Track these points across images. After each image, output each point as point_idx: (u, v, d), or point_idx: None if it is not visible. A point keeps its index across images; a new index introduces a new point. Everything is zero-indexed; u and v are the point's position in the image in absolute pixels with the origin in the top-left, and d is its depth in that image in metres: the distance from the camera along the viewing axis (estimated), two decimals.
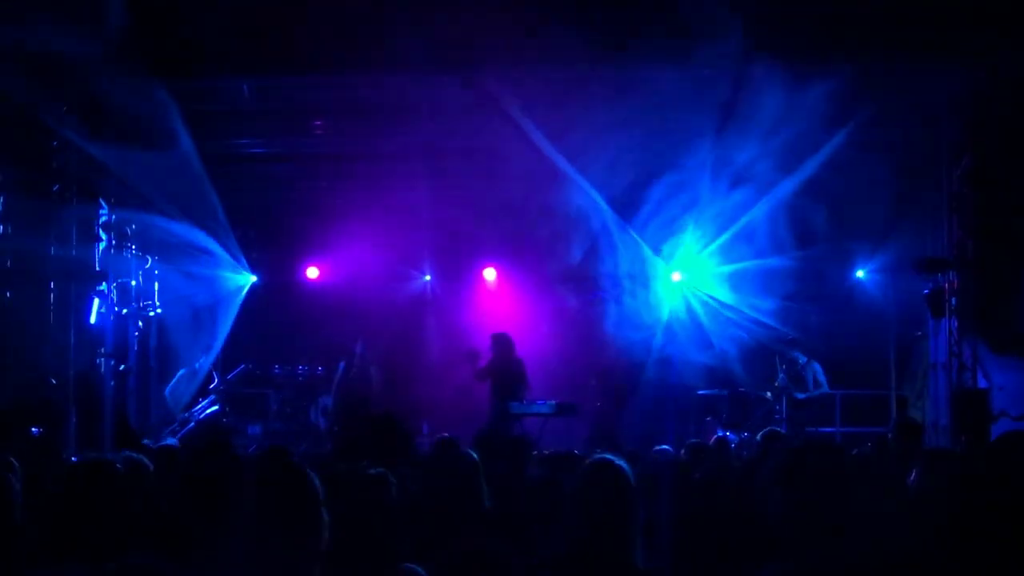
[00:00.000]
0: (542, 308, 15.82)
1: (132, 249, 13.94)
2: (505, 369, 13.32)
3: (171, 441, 10.52)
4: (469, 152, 13.44)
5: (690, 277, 15.23)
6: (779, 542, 3.97)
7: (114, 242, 13.36)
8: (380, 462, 5.73)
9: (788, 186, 13.13)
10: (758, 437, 9.20)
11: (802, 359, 13.87)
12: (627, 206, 14.23)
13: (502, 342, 13.51)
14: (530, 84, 11.59)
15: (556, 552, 3.98)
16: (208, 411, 13.70)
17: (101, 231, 12.95)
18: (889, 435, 7.82)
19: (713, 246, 14.68)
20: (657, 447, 8.92)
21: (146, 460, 5.35)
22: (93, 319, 12.59)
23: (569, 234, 14.71)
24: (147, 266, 14.29)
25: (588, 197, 13.74)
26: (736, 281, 14.96)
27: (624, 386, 14.20)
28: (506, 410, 13.11)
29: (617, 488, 3.97)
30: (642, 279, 15.40)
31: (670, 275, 15.16)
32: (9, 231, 11.55)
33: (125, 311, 13.69)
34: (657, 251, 14.97)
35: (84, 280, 12.42)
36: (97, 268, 12.72)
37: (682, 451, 8.73)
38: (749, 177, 13.13)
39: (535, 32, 10.23)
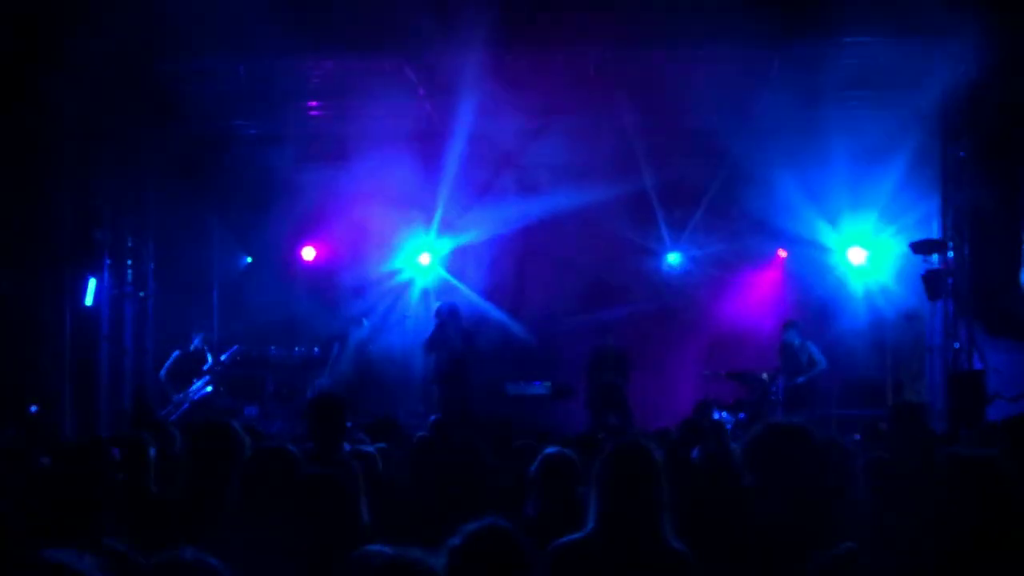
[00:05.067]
0: (544, 287, 15.78)
1: (128, 230, 13.90)
2: (451, 343, 13.19)
3: None
4: (471, 132, 13.42)
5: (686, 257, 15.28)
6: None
7: (110, 224, 13.32)
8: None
9: (785, 169, 13.16)
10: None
11: (796, 340, 13.86)
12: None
13: (445, 314, 13.36)
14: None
15: (585, 533, 4.00)
16: (202, 392, 13.68)
17: (97, 212, 12.91)
18: (882, 424, 7.74)
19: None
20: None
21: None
22: (89, 301, 12.56)
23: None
24: (143, 248, 14.25)
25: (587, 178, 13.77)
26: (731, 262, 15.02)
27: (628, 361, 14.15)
28: (452, 391, 12.99)
29: (644, 469, 3.99)
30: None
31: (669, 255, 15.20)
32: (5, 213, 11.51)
33: (123, 292, 13.68)
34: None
35: (80, 261, 12.40)
36: (93, 250, 12.70)
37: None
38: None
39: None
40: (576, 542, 3.97)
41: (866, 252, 14.48)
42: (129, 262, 13.85)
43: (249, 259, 15.90)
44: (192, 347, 13.91)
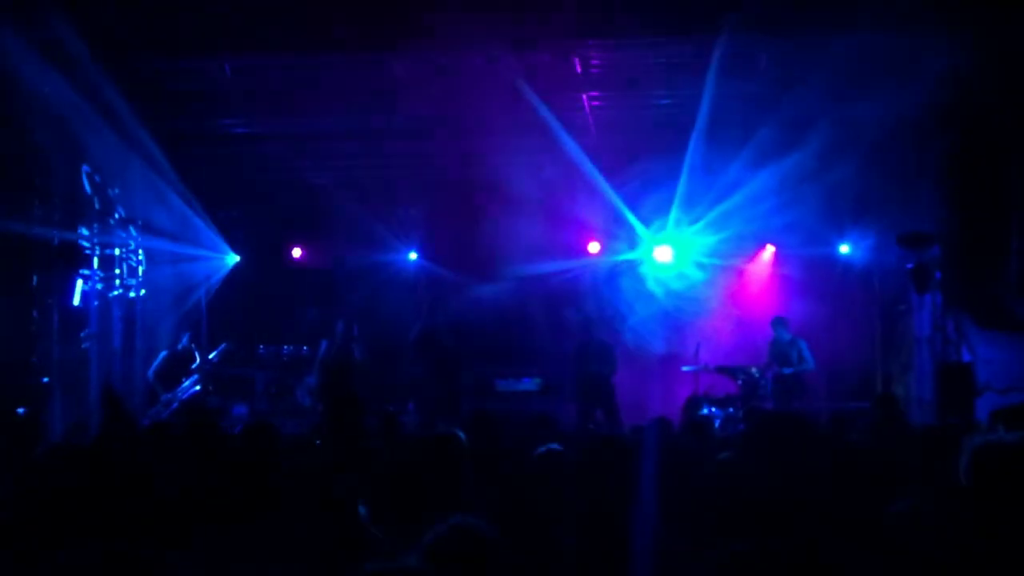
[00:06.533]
0: (531, 284, 15.77)
1: (116, 230, 13.83)
2: (440, 340, 13.19)
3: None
4: (451, 128, 13.38)
5: (678, 254, 15.26)
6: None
7: (97, 224, 13.27)
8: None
9: (775, 160, 13.16)
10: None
11: (787, 336, 13.89)
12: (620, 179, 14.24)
13: (436, 310, 13.36)
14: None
15: (562, 526, 3.99)
16: (191, 392, 13.64)
17: (84, 211, 12.87)
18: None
19: (700, 223, 14.72)
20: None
21: None
22: (76, 301, 12.51)
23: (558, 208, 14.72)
24: (131, 247, 14.19)
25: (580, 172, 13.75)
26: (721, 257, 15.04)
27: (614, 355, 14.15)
28: (442, 388, 12.99)
29: (620, 463, 3.98)
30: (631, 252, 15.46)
31: (656, 251, 15.18)
32: None
33: (111, 292, 13.63)
34: (647, 225, 15.00)
35: (67, 261, 12.35)
36: (80, 250, 12.66)
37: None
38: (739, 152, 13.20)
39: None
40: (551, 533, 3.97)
41: (853, 244, 14.55)
42: (117, 263, 13.80)
43: (237, 257, 15.84)
44: (180, 346, 13.87)
